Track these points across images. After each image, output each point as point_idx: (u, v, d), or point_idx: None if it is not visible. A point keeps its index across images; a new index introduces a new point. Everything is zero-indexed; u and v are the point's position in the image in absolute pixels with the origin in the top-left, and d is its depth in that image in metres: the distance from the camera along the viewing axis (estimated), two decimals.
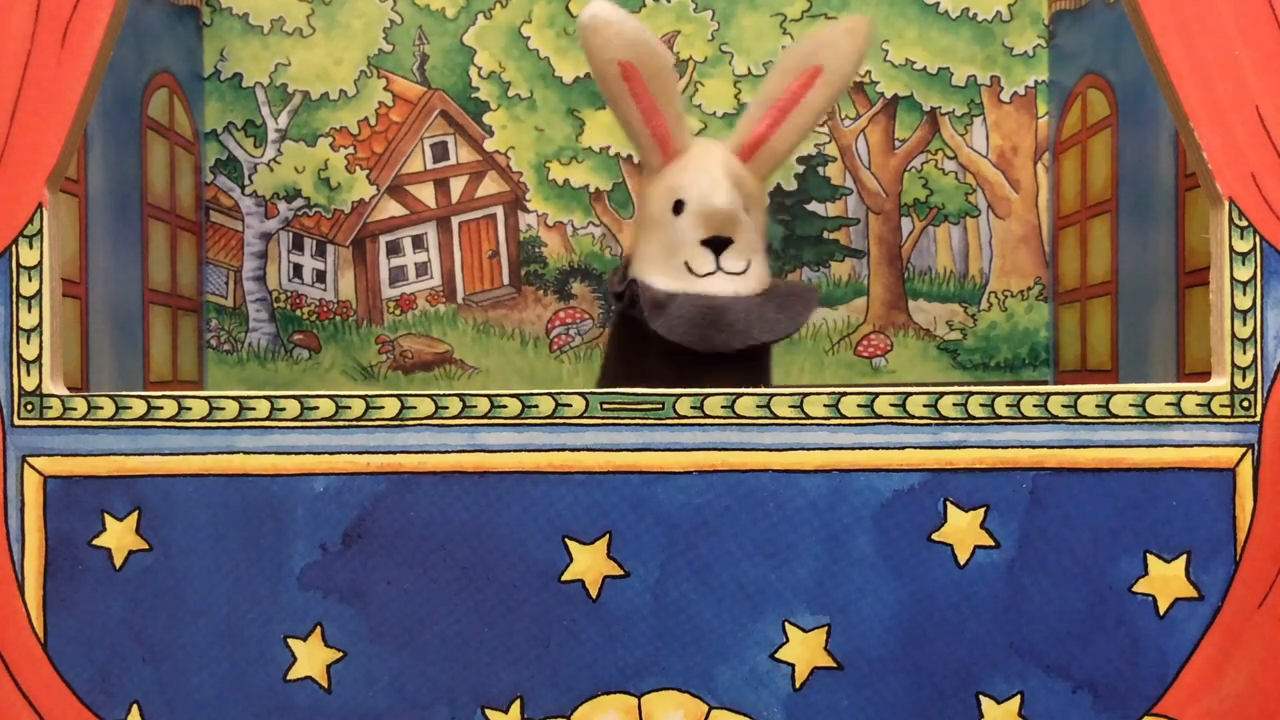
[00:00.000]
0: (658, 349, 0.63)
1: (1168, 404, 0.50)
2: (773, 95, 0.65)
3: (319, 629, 0.51)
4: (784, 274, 0.83)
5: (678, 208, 0.64)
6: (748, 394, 0.50)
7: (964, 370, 0.84)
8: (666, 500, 0.50)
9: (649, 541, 0.50)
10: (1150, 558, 0.50)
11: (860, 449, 0.50)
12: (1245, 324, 0.50)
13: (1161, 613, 0.50)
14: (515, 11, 0.83)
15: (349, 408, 0.50)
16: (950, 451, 0.50)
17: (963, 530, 0.50)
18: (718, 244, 0.64)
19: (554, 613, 0.50)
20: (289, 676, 0.51)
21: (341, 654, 0.51)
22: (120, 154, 0.70)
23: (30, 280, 0.51)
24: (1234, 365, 0.50)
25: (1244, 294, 0.50)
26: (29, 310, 0.51)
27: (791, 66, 0.65)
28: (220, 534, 0.50)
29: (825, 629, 0.50)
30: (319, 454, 0.50)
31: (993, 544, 0.50)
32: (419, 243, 0.84)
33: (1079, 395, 0.50)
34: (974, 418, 0.50)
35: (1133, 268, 0.72)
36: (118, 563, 0.51)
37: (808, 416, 0.50)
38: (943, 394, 0.50)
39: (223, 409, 0.50)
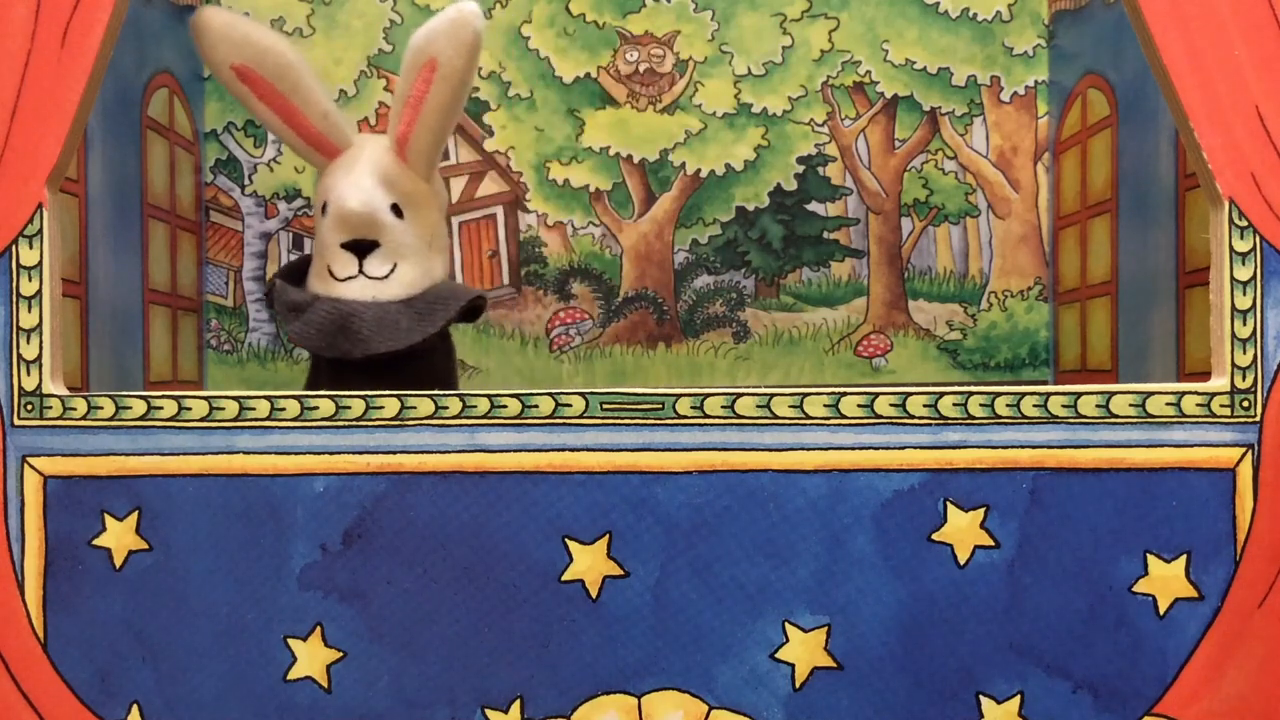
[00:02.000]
0: (324, 357, 0.62)
1: (1168, 404, 0.50)
2: (404, 90, 0.62)
3: (319, 629, 0.51)
4: (784, 274, 0.83)
5: (325, 209, 0.63)
6: (748, 393, 0.50)
7: (964, 370, 0.84)
8: (666, 500, 0.50)
9: (649, 541, 0.50)
10: (1150, 558, 0.50)
11: (860, 449, 0.50)
12: (1245, 324, 0.50)
13: (1161, 613, 0.50)
14: (515, 11, 0.83)
15: (349, 408, 0.50)
16: (950, 451, 0.50)
17: (963, 530, 0.50)
18: (360, 247, 0.62)
19: (554, 613, 0.50)
20: (289, 676, 0.51)
21: (341, 654, 0.51)
22: (120, 154, 0.70)
23: (30, 280, 0.51)
24: (1234, 365, 0.50)
25: (1244, 294, 0.50)
26: (29, 310, 0.51)
27: (413, 61, 0.62)
28: (220, 534, 0.50)
29: (825, 629, 0.50)
30: (319, 454, 0.50)
31: (993, 544, 0.50)
32: None
33: (1079, 395, 0.50)
34: (974, 418, 0.50)
35: (1133, 268, 0.72)
36: (118, 563, 0.51)
37: (808, 416, 0.50)
38: (943, 394, 0.50)
39: (223, 409, 0.50)
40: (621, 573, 0.50)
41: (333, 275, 0.62)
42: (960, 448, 0.50)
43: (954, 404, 0.50)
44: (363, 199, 0.61)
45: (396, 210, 0.63)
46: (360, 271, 0.62)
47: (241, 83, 0.62)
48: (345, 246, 0.62)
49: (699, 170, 0.83)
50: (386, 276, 0.62)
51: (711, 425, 0.50)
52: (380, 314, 0.61)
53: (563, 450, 0.50)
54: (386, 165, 0.63)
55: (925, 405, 0.50)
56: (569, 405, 0.50)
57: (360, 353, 0.60)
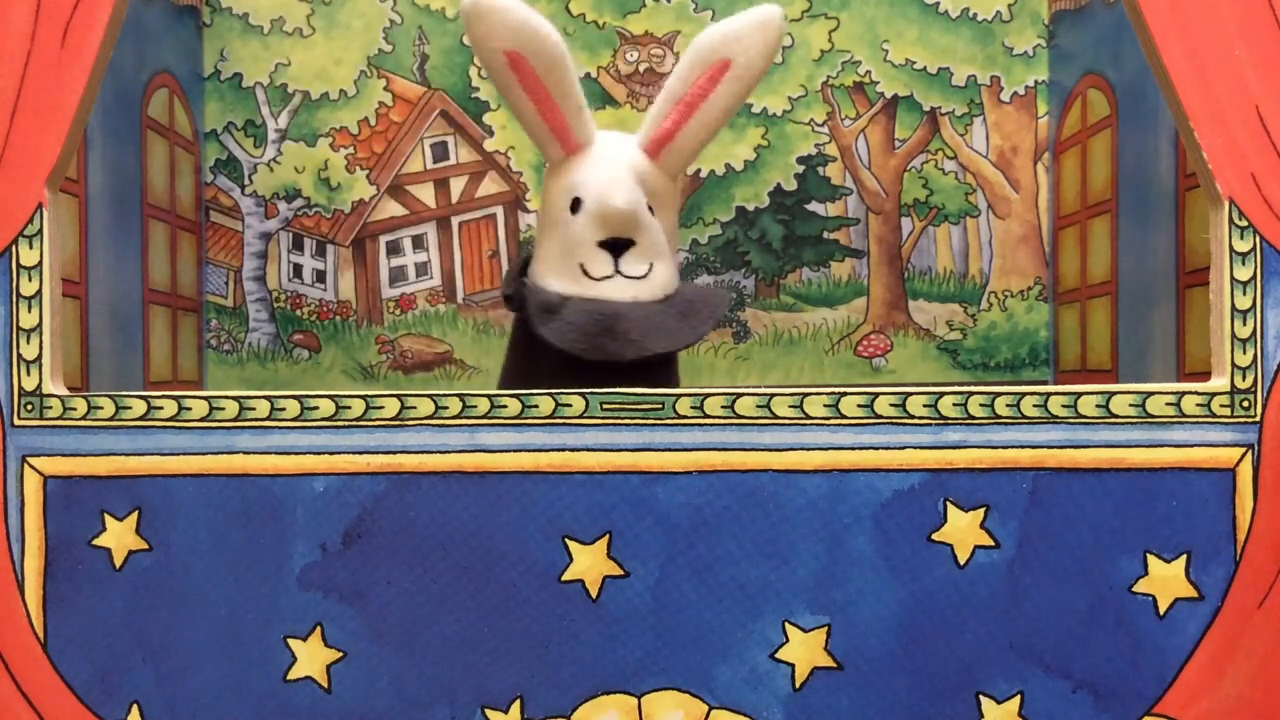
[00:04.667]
0: (551, 356, 0.59)
1: (1168, 404, 0.50)
2: (679, 90, 0.61)
3: (319, 629, 0.51)
4: (784, 274, 0.83)
5: (575, 206, 0.61)
6: (748, 393, 0.50)
7: (964, 370, 0.84)
8: (666, 500, 0.50)
9: (649, 541, 0.50)
10: (1150, 558, 0.50)
11: (860, 449, 0.50)
12: (1245, 324, 0.50)
13: (1161, 613, 0.50)
14: None
15: (349, 408, 0.50)
16: (950, 451, 0.50)
17: (963, 530, 0.50)
18: (617, 246, 0.60)
19: (554, 613, 0.50)
20: (289, 676, 0.51)
21: (341, 654, 0.51)
22: (120, 154, 0.70)
23: (30, 280, 0.51)
24: (1234, 365, 0.50)
25: (1244, 294, 0.50)
26: (29, 310, 0.51)
27: (699, 60, 0.61)
28: (220, 534, 0.50)
29: (825, 629, 0.50)
30: (319, 454, 0.50)
31: (993, 544, 0.50)
32: (419, 243, 0.84)
33: (1079, 395, 0.50)
34: (974, 418, 0.50)
35: (1133, 268, 0.72)
36: (118, 563, 0.51)
37: (808, 416, 0.50)
38: (943, 394, 0.50)
39: (223, 409, 0.50)
40: (621, 573, 0.50)
41: (587, 274, 0.60)
42: (960, 448, 0.50)
43: (954, 404, 0.50)
44: (628, 197, 0.59)
45: (649, 209, 0.61)
46: (617, 271, 0.60)
47: (510, 69, 0.60)
48: (602, 245, 0.60)
49: (699, 170, 0.83)
50: (644, 276, 0.61)
51: (711, 425, 0.50)
52: (646, 315, 0.59)
53: (563, 450, 0.50)
54: (639, 164, 0.62)
55: (925, 405, 0.50)
56: (569, 405, 0.50)
57: (633, 354, 0.59)
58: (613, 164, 0.61)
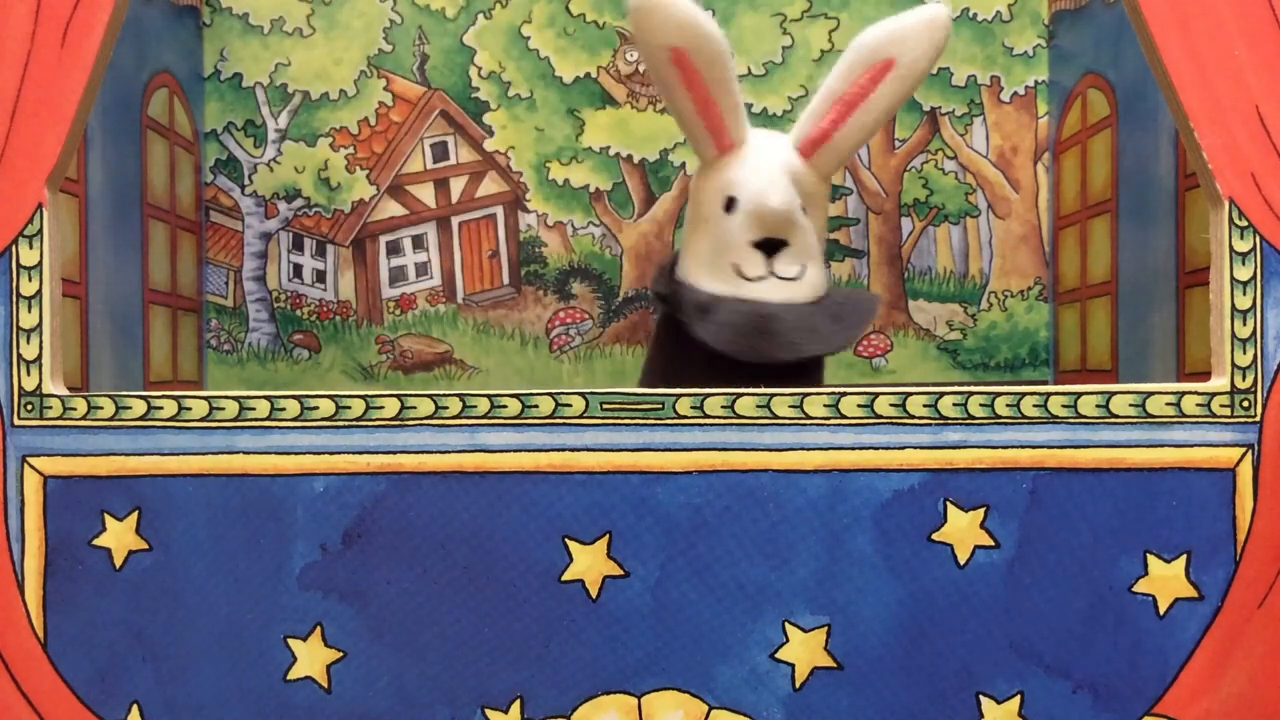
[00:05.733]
0: (703, 355, 0.59)
1: (1168, 404, 0.50)
2: (839, 89, 0.61)
3: (319, 629, 0.51)
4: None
5: (729, 205, 0.61)
6: (747, 394, 0.50)
7: (964, 370, 0.84)
8: (666, 500, 0.50)
9: (649, 541, 0.50)
10: (1150, 558, 0.50)
11: (860, 449, 0.50)
12: (1245, 324, 0.50)
13: (1161, 613, 0.50)
14: (515, 11, 0.83)
15: (349, 408, 0.50)
16: (950, 451, 0.50)
17: (963, 530, 0.50)
18: (771, 246, 0.60)
19: (554, 613, 0.50)
20: (289, 676, 0.51)
21: (341, 654, 0.51)
22: (120, 154, 0.70)
23: (30, 280, 0.51)
24: (1234, 365, 0.50)
25: (1244, 294, 0.50)
26: (29, 310, 0.51)
27: (861, 59, 0.60)
28: (220, 534, 0.50)
29: (825, 629, 0.50)
30: (319, 454, 0.50)
31: (993, 544, 0.50)
32: (419, 243, 0.84)
33: (1079, 395, 0.50)
34: (974, 418, 0.50)
35: (1133, 268, 0.72)
36: (118, 563, 0.51)
37: (808, 416, 0.50)
38: (943, 394, 0.50)
39: (223, 409, 0.50)
40: (621, 573, 0.50)
41: (741, 274, 0.60)
42: (960, 448, 0.50)
43: (954, 404, 0.50)
44: (783, 198, 0.59)
45: (803, 210, 0.61)
46: (770, 272, 0.60)
47: (673, 65, 0.59)
48: (756, 245, 0.60)
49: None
50: (797, 278, 0.60)
51: (711, 425, 0.50)
52: (799, 316, 0.59)
53: (563, 450, 0.50)
54: (794, 164, 0.61)
55: (925, 405, 0.50)
56: (569, 405, 0.50)
57: (788, 355, 0.58)
58: (768, 164, 0.61)
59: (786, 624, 0.50)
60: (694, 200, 0.64)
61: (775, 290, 0.60)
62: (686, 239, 0.64)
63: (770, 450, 0.50)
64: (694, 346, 0.60)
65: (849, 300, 0.62)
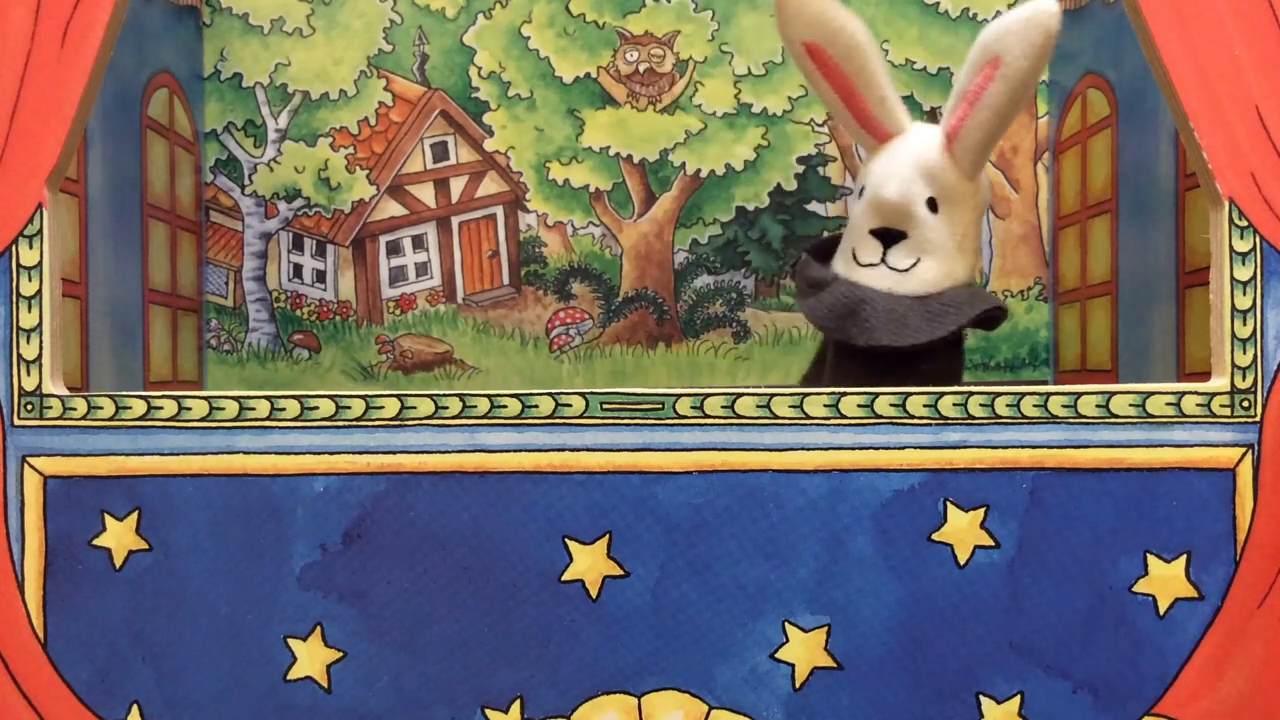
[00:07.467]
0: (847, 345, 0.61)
1: (1168, 404, 0.50)
2: (962, 85, 0.61)
3: (319, 629, 0.51)
4: (784, 274, 0.83)
5: (861, 192, 0.63)
6: (748, 394, 0.50)
7: (964, 370, 0.84)
8: (666, 500, 0.50)
9: (649, 541, 0.50)
10: (1150, 558, 0.50)
11: (860, 449, 0.50)
12: (1245, 324, 0.50)
13: (1161, 613, 0.50)
14: (515, 11, 0.83)
15: (349, 408, 0.50)
16: (950, 451, 0.50)
17: (963, 530, 0.50)
18: (888, 236, 0.61)
19: (554, 613, 0.50)
20: (289, 676, 0.51)
21: (341, 654, 0.51)
22: (120, 154, 0.70)
23: (30, 280, 0.51)
24: (1234, 365, 0.50)
25: (1244, 294, 0.50)
26: (29, 310, 0.51)
27: (977, 56, 0.60)
28: (220, 534, 0.50)
29: (825, 629, 0.50)
30: (319, 454, 0.50)
31: (993, 544, 0.50)
32: (419, 243, 0.84)
33: (1079, 395, 0.50)
34: (974, 418, 0.50)
35: (1133, 268, 0.72)
36: (118, 563, 0.51)
37: (808, 416, 0.50)
38: (943, 394, 0.50)
39: (223, 409, 0.50)
40: (621, 573, 0.50)
41: (856, 259, 0.62)
42: (960, 448, 0.50)
43: (954, 404, 0.50)
44: (900, 189, 0.60)
45: (932, 204, 0.61)
46: (883, 260, 0.61)
47: (809, 59, 0.61)
48: (873, 233, 0.61)
49: (699, 170, 0.83)
50: (908, 270, 0.61)
51: (711, 425, 0.50)
52: (891, 306, 0.60)
53: (563, 450, 0.50)
54: (931, 158, 0.61)
55: (925, 405, 0.50)
56: (569, 405, 0.50)
57: (864, 341, 0.59)
58: (902, 156, 0.62)
59: (786, 624, 0.50)
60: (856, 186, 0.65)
61: (881, 278, 0.61)
62: None
63: (770, 450, 0.50)
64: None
65: (956, 300, 0.61)
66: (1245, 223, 0.50)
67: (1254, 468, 0.50)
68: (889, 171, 0.61)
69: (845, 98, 0.62)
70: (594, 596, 0.50)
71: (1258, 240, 0.50)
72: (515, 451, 0.50)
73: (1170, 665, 0.50)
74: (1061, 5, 0.58)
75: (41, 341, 0.51)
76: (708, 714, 0.51)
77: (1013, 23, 0.58)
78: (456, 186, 0.84)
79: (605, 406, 0.50)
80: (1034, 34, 0.58)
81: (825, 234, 0.83)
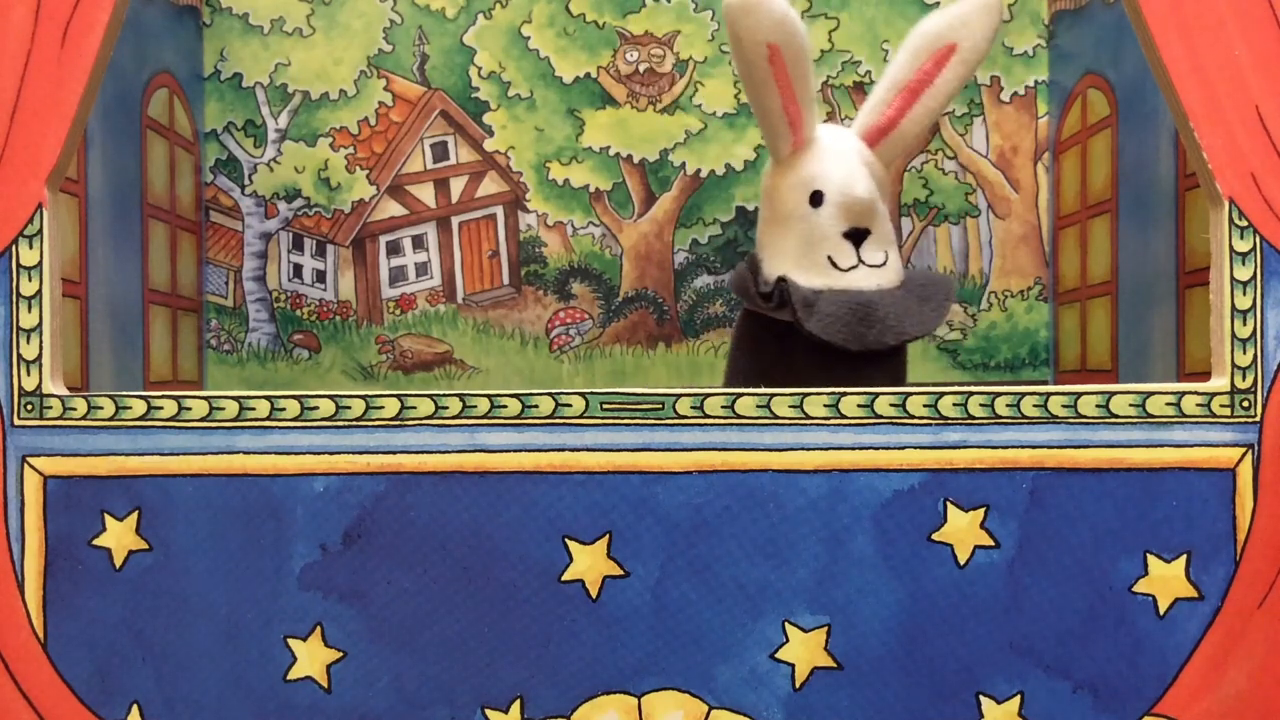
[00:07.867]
0: (803, 349, 0.61)
1: (1168, 404, 0.50)
2: (902, 78, 0.63)
3: (319, 629, 0.51)
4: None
5: (815, 199, 0.63)
6: (747, 394, 0.50)
7: (964, 370, 0.84)
8: (666, 500, 0.50)
9: (649, 541, 0.50)
10: (1150, 558, 0.50)
11: (860, 449, 0.50)
12: (1245, 324, 0.50)
13: (1161, 613, 0.50)
14: (515, 11, 0.83)
15: (349, 408, 0.50)
16: (950, 451, 0.50)
17: (963, 530, 0.50)
18: (857, 236, 0.62)
19: (554, 613, 0.50)
20: (289, 676, 0.51)
21: (341, 654, 0.51)
22: (120, 154, 0.70)
23: (30, 280, 0.51)
24: (1234, 365, 0.50)
25: (1244, 294, 0.50)
26: (29, 310, 0.51)
27: (924, 46, 0.63)
28: (220, 534, 0.50)
29: (825, 629, 0.50)
30: (319, 454, 0.50)
31: (993, 544, 0.50)
32: (419, 243, 0.84)
33: (1079, 395, 0.50)
34: (974, 418, 0.50)
35: (1133, 268, 0.72)
36: (118, 563, 0.51)
37: (808, 416, 0.50)
38: (943, 394, 0.50)
39: (223, 409, 0.50)
40: (621, 573, 0.50)
41: (835, 266, 0.62)
42: (960, 448, 0.50)
43: (954, 404, 0.50)
44: (867, 185, 0.62)
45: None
46: (860, 261, 0.62)
47: (769, 62, 0.61)
48: (845, 235, 0.62)
49: (699, 170, 0.83)
50: (883, 264, 0.63)
51: (711, 425, 0.50)
52: (894, 301, 0.61)
53: (563, 450, 0.50)
54: (867, 154, 0.63)
55: (925, 405, 0.50)
56: (569, 405, 0.50)
57: (892, 340, 0.60)
58: (846, 155, 0.63)
59: (786, 624, 0.50)
60: (771, 200, 0.65)
61: (867, 278, 0.62)
62: (768, 239, 0.65)
63: (770, 450, 0.50)
64: (793, 343, 0.62)
65: (929, 281, 0.64)
66: (1245, 223, 0.50)
67: (1254, 468, 0.50)
68: (848, 172, 0.62)
69: (788, 102, 0.62)
70: (594, 596, 0.50)
71: (1258, 240, 0.50)
72: (515, 451, 0.50)
73: (1170, 665, 0.50)
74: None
75: (41, 341, 0.51)
76: (708, 714, 0.51)
77: (968, 10, 0.62)
78: (456, 186, 0.84)
79: (605, 406, 0.50)
80: (993, 18, 0.62)
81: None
